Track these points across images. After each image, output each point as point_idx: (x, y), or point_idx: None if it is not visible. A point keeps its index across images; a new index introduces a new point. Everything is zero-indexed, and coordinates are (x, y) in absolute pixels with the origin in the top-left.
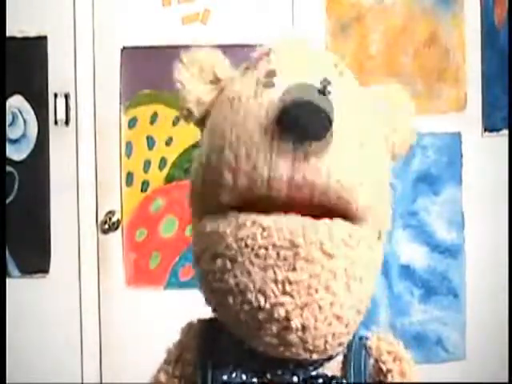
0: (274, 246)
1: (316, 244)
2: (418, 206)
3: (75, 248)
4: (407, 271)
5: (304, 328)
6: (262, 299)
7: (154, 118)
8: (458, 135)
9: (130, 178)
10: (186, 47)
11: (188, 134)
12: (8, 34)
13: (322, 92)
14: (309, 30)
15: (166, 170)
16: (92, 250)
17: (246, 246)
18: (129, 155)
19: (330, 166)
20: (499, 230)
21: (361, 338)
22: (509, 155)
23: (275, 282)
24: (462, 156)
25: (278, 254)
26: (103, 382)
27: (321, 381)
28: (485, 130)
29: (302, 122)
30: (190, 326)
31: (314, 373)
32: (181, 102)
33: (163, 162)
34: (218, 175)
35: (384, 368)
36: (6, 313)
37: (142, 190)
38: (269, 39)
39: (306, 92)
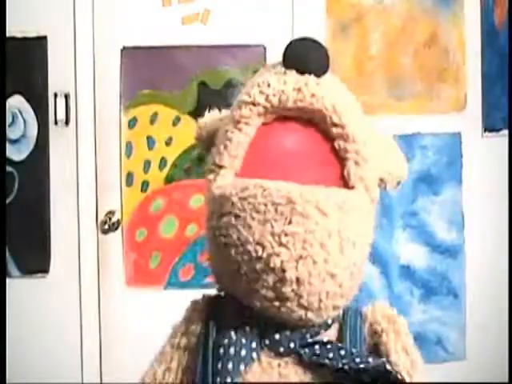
0: (272, 202)
1: (312, 202)
2: (417, 206)
3: (75, 248)
4: (407, 271)
5: (298, 281)
6: (259, 249)
7: (154, 117)
8: (458, 135)
9: (130, 178)
10: (186, 47)
11: (188, 134)
12: (8, 34)
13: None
14: (309, 30)
15: (166, 170)
16: (92, 250)
17: (249, 203)
18: (129, 155)
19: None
20: (499, 230)
21: (356, 308)
22: (509, 155)
23: (272, 234)
24: (461, 156)
25: (276, 209)
26: (103, 382)
27: (317, 346)
28: (485, 130)
29: (307, 58)
30: (195, 301)
31: (310, 340)
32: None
33: (163, 162)
34: None
35: (378, 328)
36: (5, 313)
37: (141, 190)
38: (269, 39)
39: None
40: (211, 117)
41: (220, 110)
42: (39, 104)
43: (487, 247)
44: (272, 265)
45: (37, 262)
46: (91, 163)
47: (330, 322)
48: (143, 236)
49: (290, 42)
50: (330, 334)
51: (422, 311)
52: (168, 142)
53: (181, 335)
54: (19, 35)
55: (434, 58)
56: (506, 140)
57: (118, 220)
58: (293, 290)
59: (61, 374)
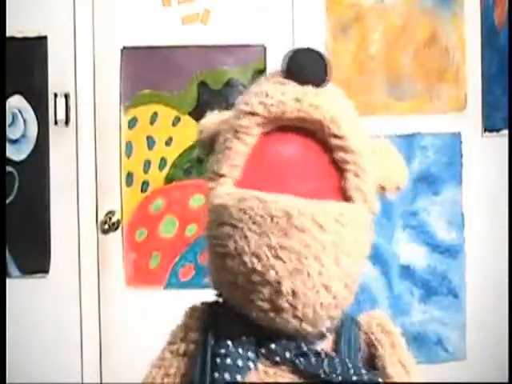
0: (269, 215)
1: (308, 216)
2: (417, 206)
3: (75, 248)
4: (407, 271)
5: (294, 293)
6: (255, 261)
7: (154, 117)
8: (458, 135)
9: (130, 178)
10: (186, 47)
11: (188, 134)
12: (8, 34)
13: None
14: (309, 29)
15: (166, 170)
16: (92, 250)
17: (246, 214)
18: (129, 155)
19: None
20: (499, 229)
21: (352, 318)
22: (509, 155)
23: (268, 246)
24: (461, 156)
25: (272, 221)
26: (103, 382)
27: (312, 357)
28: (485, 130)
29: (308, 70)
30: (193, 308)
31: (305, 349)
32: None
33: (163, 162)
34: None
35: (374, 341)
36: (5, 313)
37: (142, 190)
38: (269, 39)
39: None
40: (211, 119)
41: (220, 110)
42: (39, 104)
43: (487, 247)
44: (268, 277)
45: (37, 262)
46: (91, 163)
47: (325, 331)
48: (143, 236)
49: (290, 52)
50: (326, 344)
51: (422, 311)
52: (168, 142)
53: (180, 341)
54: (19, 35)
55: (434, 58)
56: (505, 140)
57: (118, 220)
58: (288, 302)
59: (61, 374)
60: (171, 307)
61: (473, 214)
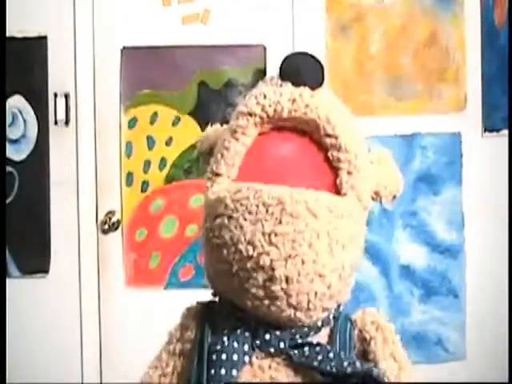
0: (263, 203)
1: (302, 203)
2: (417, 206)
3: (75, 248)
4: (407, 271)
5: (287, 280)
6: (250, 249)
7: (154, 118)
8: (458, 135)
9: (130, 178)
10: (186, 47)
11: (188, 134)
12: (8, 34)
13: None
14: (309, 29)
15: (165, 170)
16: (92, 250)
17: (241, 205)
18: (129, 155)
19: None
20: (499, 230)
21: (346, 315)
22: (509, 155)
23: (263, 233)
24: (461, 156)
25: (267, 210)
26: (103, 382)
27: (306, 348)
28: (485, 130)
29: (302, 72)
30: (189, 308)
31: (300, 341)
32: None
33: (163, 162)
34: None
35: (367, 336)
36: (5, 313)
37: (142, 190)
38: (269, 39)
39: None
40: (212, 130)
41: (220, 110)
42: (39, 104)
43: (487, 247)
44: (262, 263)
45: (37, 262)
46: (91, 163)
47: (319, 324)
48: (143, 236)
49: (287, 56)
50: (320, 338)
51: (422, 311)
52: (168, 142)
53: (176, 341)
54: (19, 35)
55: (434, 57)
56: (505, 140)
57: (118, 220)
58: (282, 289)
59: (61, 374)
60: (171, 307)
61: (473, 213)
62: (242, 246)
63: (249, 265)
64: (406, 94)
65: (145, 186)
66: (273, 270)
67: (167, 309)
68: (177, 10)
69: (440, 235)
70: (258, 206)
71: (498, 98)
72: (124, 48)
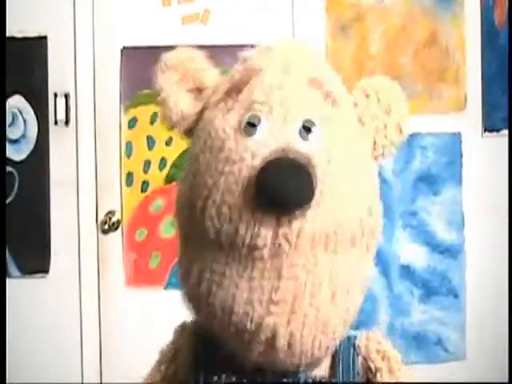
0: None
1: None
2: (417, 206)
3: (75, 248)
4: (407, 271)
5: (290, 344)
6: (247, 321)
7: (154, 118)
8: (458, 135)
9: (130, 178)
10: (186, 47)
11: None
12: (8, 34)
13: (305, 134)
14: (309, 29)
15: (165, 170)
16: (92, 250)
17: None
18: (129, 155)
19: (315, 222)
20: (499, 230)
21: (349, 338)
22: (509, 155)
23: (260, 301)
24: (461, 156)
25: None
26: (103, 382)
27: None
28: (485, 130)
29: (283, 196)
30: (183, 326)
31: (302, 375)
32: (163, 112)
33: (163, 162)
34: (201, 220)
35: (373, 367)
36: (5, 313)
37: (142, 190)
38: (269, 39)
39: (285, 171)
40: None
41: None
42: (39, 104)
43: (487, 247)
44: (260, 338)
45: (37, 261)
46: (91, 163)
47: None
48: (143, 236)
49: (266, 164)
50: (323, 366)
51: (422, 311)
52: (168, 142)
53: (169, 362)
54: (19, 35)
55: (434, 57)
56: (505, 140)
57: (118, 220)
58: (284, 352)
59: (61, 374)
60: (171, 307)
61: (473, 213)
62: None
63: (246, 337)
64: (406, 94)
65: (145, 186)
66: (274, 338)
67: (167, 309)
68: (177, 9)
69: (440, 235)
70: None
71: (498, 98)
72: (124, 48)
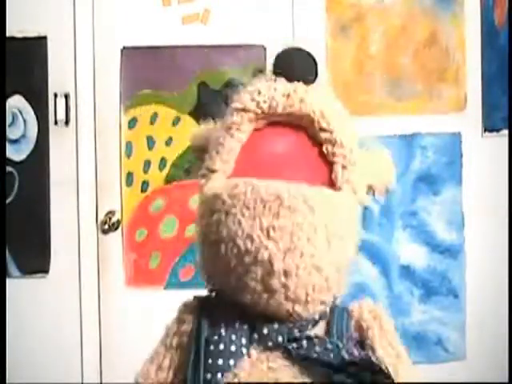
0: (261, 199)
1: (299, 197)
2: (417, 206)
3: (75, 248)
4: (407, 271)
5: (286, 273)
6: (248, 243)
7: (154, 118)
8: (458, 135)
9: (130, 178)
10: (186, 47)
11: (188, 134)
12: (8, 34)
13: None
14: (309, 29)
15: (166, 170)
16: (92, 250)
17: (238, 200)
18: (129, 155)
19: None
20: (499, 230)
21: (343, 307)
22: (509, 155)
23: (261, 228)
24: (461, 156)
25: (264, 205)
26: (103, 382)
27: (304, 341)
28: (485, 130)
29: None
30: (185, 303)
31: (297, 334)
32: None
33: (163, 162)
34: None
35: (364, 325)
36: (5, 313)
37: (142, 190)
38: (269, 39)
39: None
40: (206, 127)
41: (220, 110)
42: (39, 104)
43: (487, 247)
44: (260, 258)
45: (37, 261)
46: (91, 163)
47: (317, 318)
48: (143, 236)
49: (280, 51)
50: (318, 331)
51: (422, 311)
52: (168, 142)
53: (173, 335)
54: (19, 35)
55: (434, 57)
56: (505, 140)
57: (118, 220)
58: (280, 283)
59: (61, 374)
60: (171, 307)
61: (473, 213)
62: (240, 241)
63: (247, 259)
64: (406, 94)
65: (145, 185)
66: (271, 264)
67: (167, 309)
68: (177, 10)
69: (440, 235)
70: (255, 201)
71: (498, 98)
72: (124, 48)
